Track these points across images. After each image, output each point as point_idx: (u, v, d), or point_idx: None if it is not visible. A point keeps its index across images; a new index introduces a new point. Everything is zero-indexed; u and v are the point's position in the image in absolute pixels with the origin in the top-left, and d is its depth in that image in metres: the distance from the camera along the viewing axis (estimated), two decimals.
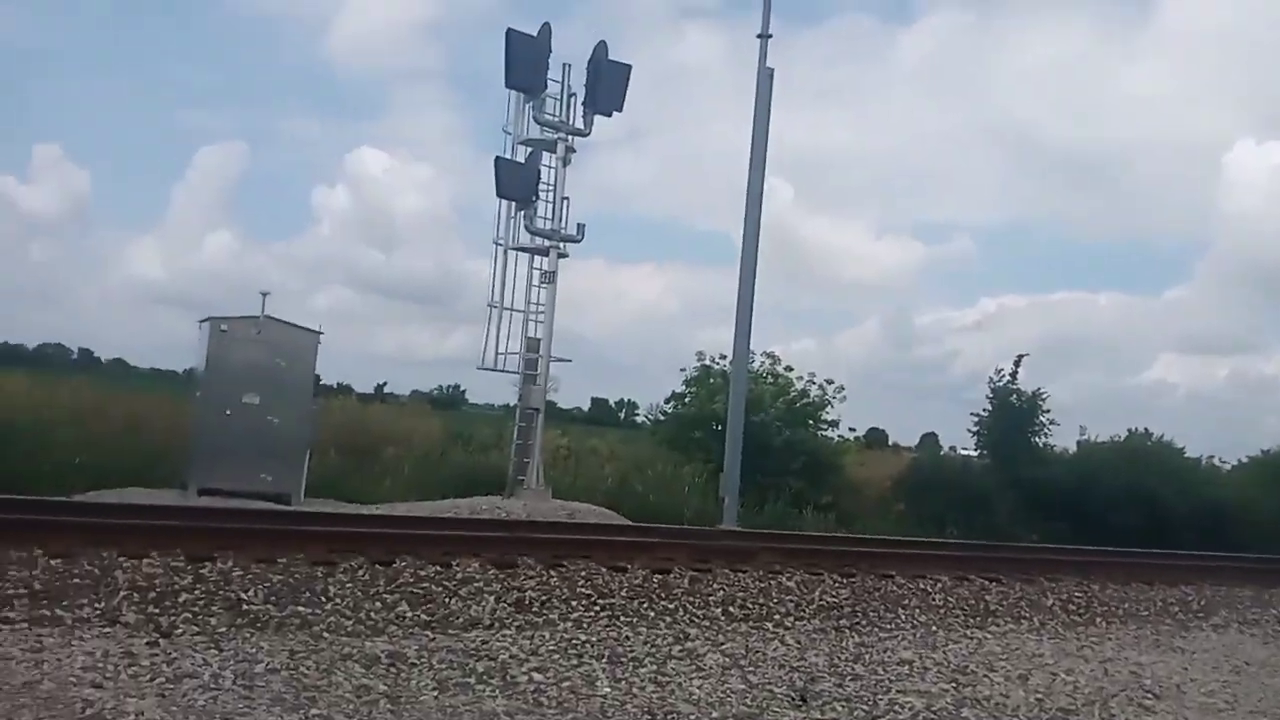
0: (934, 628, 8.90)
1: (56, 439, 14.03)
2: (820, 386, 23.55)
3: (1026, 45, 79.09)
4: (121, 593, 6.65)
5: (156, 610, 6.50)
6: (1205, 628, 10.43)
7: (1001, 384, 24.44)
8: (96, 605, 6.44)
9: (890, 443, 40.07)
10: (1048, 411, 24.07)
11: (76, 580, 6.73)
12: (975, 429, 24.59)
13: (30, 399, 17.54)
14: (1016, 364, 24.57)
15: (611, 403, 60.66)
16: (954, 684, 6.87)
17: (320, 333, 14.13)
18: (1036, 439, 24.12)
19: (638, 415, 42.05)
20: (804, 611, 8.77)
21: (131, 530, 7.86)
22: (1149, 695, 7.12)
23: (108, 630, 6.12)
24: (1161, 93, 77.42)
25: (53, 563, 6.91)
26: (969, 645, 8.29)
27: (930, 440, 37.56)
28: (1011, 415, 24.00)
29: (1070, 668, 7.74)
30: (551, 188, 16.51)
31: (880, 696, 6.34)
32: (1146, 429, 26.04)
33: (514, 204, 16.56)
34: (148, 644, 5.87)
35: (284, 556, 7.73)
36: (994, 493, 22.16)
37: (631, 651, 6.90)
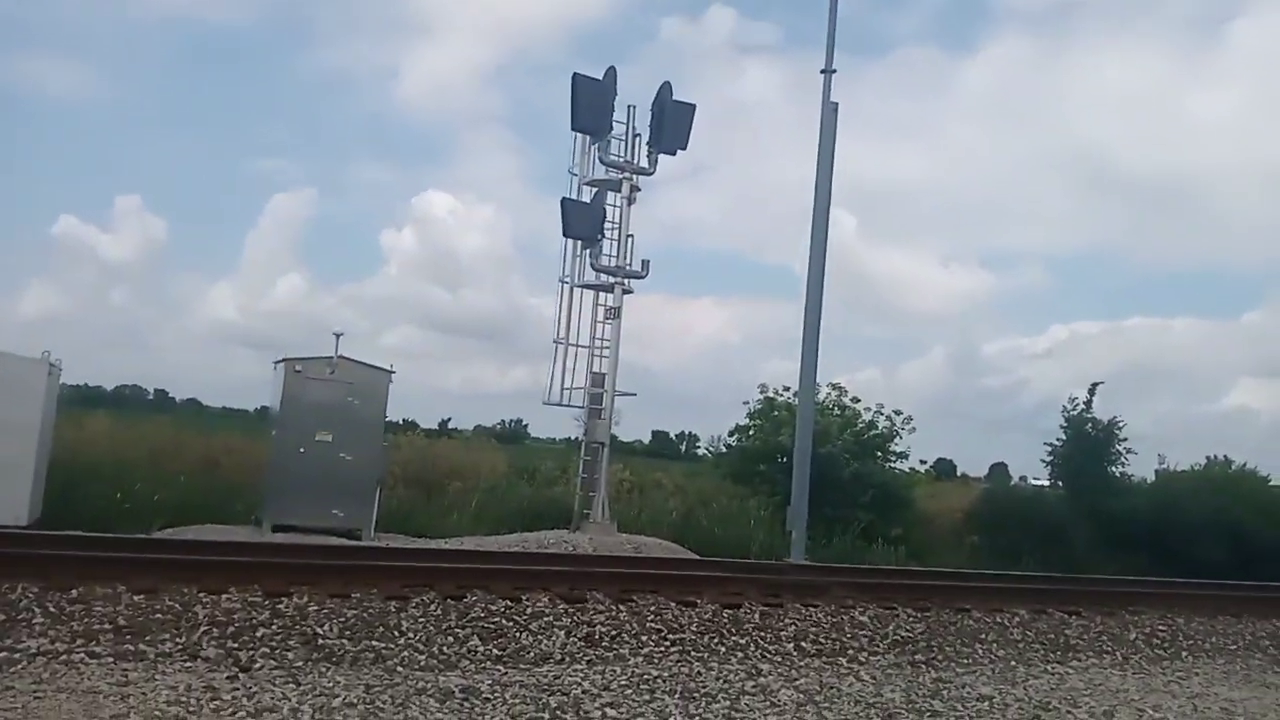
0: (1013, 662, 8.66)
1: (136, 477, 14.43)
2: (889, 418, 23.24)
3: (1095, 72, 78.10)
4: (202, 628, 6.79)
5: (235, 645, 6.62)
6: None
7: (1076, 412, 23.90)
8: (178, 640, 6.58)
9: (959, 473, 39.36)
10: (1124, 440, 23.47)
11: (159, 615, 6.89)
12: (1049, 459, 24.04)
13: (111, 440, 18.13)
14: (1091, 391, 24.03)
15: (672, 435, 60.59)
16: None
17: (392, 371, 14.40)
18: (1113, 468, 23.50)
19: (699, 448, 41.87)
20: (878, 646, 8.61)
21: (210, 566, 8.04)
22: None
23: (189, 665, 6.24)
24: (1235, 116, 75.74)
25: (136, 598, 7.09)
26: (1050, 680, 8.04)
27: (1000, 470, 36.82)
28: (1087, 444, 23.42)
29: (1157, 704, 7.46)
30: (616, 226, 16.67)
31: None
32: (1226, 457, 25.24)
33: (580, 243, 16.74)
34: (228, 678, 5.98)
35: (358, 591, 7.84)
36: (1070, 524, 21.57)
37: (704, 687, 6.83)
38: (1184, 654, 9.81)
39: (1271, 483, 24.87)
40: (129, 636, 6.54)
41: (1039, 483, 26.10)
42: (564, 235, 16.68)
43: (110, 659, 6.20)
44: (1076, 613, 10.38)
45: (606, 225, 16.67)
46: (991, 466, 37.70)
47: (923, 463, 25.02)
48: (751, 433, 23.89)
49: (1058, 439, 23.86)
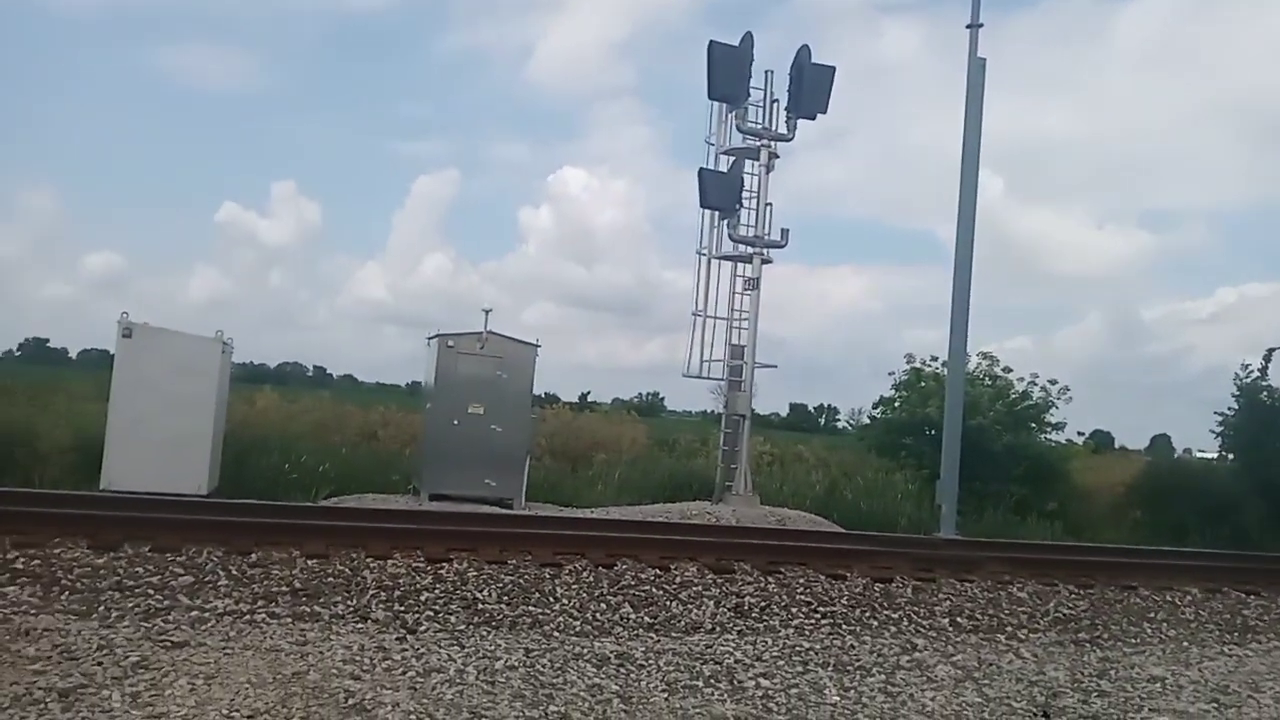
0: (1185, 643, 8.22)
1: (301, 449, 15.25)
2: (1043, 388, 22.30)
3: (1261, 14, 72.22)
4: (370, 591, 7.13)
5: (402, 608, 6.93)
6: None
7: (1249, 380, 22.35)
8: (349, 602, 6.94)
9: (1117, 446, 37.51)
10: None
11: (330, 579, 7.28)
12: (1219, 429, 22.56)
13: (278, 413, 19.25)
14: (1266, 358, 22.36)
15: (811, 408, 59.95)
16: (1215, 704, 6.31)
17: (538, 345, 14.68)
18: None
19: (839, 420, 41.31)
20: (1038, 624, 8.32)
21: (376, 533, 8.42)
22: None
23: (360, 626, 6.57)
24: None
25: (309, 562, 7.52)
26: (1228, 663, 7.59)
27: (1162, 442, 34.95)
28: (1261, 414, 21.87)
29: None
30: (754, 195, 16.48)
31: (1131, 715, 5.91)
32: None
33: (717, 213, 16.64)
34: (397, 639, 6.27)
35: (513, 558, 8.09)
36: (1243, 499, 20.25)
37: (858, 660, 6.75)
38: None
39: None
40: (304, 598, 6.94)
41: (1206, 455, 24.64)
42: (701, 206, 16.60)
43: (289, 619, 6.58)
44: (1255, 592, 9.77)
45: (744, 194, 16.51)
46: (1153, 438, 35.84)
47: (1080, 434, 23.92)
48: (897, 404, 23.38)
49: (1229, 408, 22.36)
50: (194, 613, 6.48)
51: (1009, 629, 8.09)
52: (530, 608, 7.20)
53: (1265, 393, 22.14)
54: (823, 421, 57.18)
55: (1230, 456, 22.72)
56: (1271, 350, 22.58)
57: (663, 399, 50.08)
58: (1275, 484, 20.62)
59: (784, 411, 55.27)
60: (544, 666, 5.91)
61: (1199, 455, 25.55)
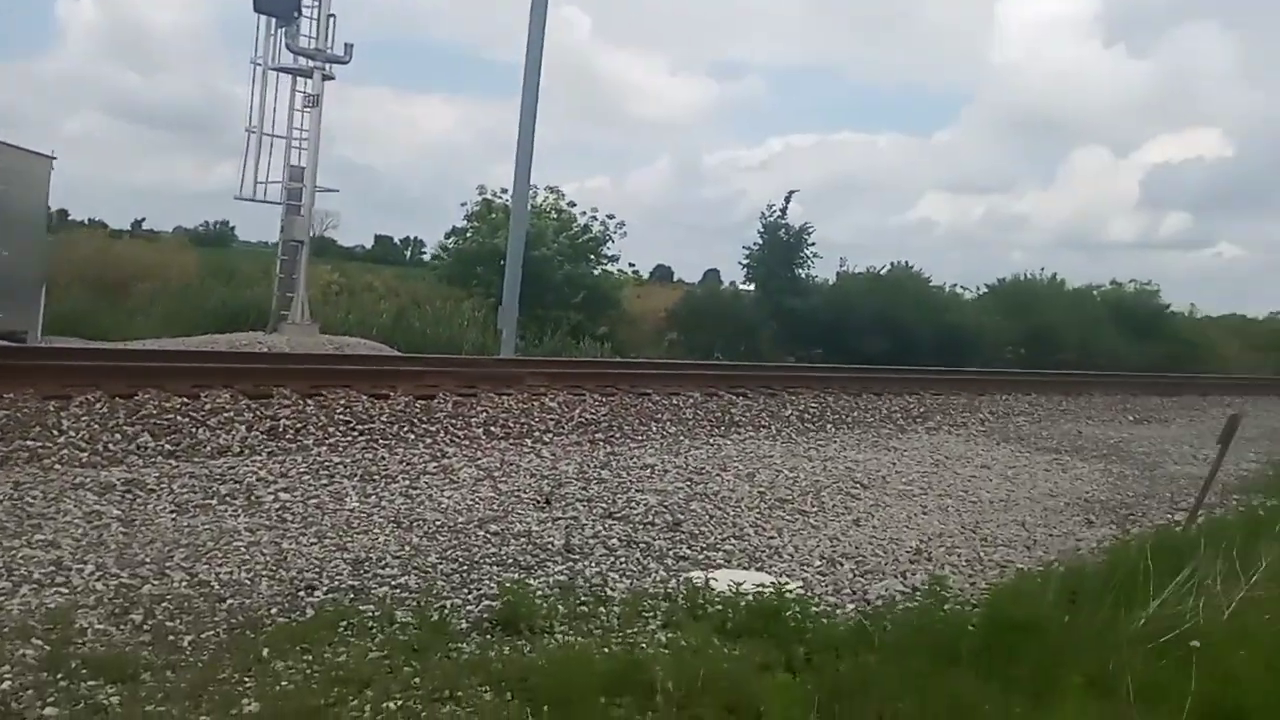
0: (681, 437, 9.59)
1: None
2: (602, 222, 23.90)
3: None
4: None
5: None
6: (920, 431, 11.76)
7: (772, 219, 25.61)
8: None
9: (676, 279, 41.48)
10: (813, 245, 25.51)
11: None
12: (745, 262, 25.79)
13: None
14: (787, 200, 25.74)
15: (397, 240, 58.99)
16: (689, 482, 7.50)
17: (53, 157, 12.86)
18: (800, 271, 25.62)
19: (425, 253, 41.21)
20: (563, 428, 9.22)
21: None
22: (857, 485, 8.06)
23: None
24: None
25: None
26: (709, 451, 9.01)
27: (713, 276, 39.08)
28: (778, 249, 25.29)
29: (795, 466, 8.60)
30: (316, 3, 15.41)
31: (620, 496, 6.85)
32: (907, 262, 28.19)
33: (274, 20, 15.38)
34: None
35: (10, 392, 7.31)
36: (759, 322, 23.54)
37: (386, 470, 7.07)
38: (829, 426, 11.26)
39: (931, 284, 28.18)
40: None
41: (746, 288, 28.08)
42: (255, 10, 15.27)
43: None
44: (743, 394, 11.56)
45: (305, 3, 15.41)
46: (706, 272, 39.96)
47: (631, 265, 26.04)
48: (469, 235, 23.83)
49: (754, 243, 25.59)
50: None
51: (537, 434, 8.90)
52: (28, 442, 6.62)
53: (783, 230, 25.54)
54: (409, 254, 56.57)
55: (753, 286, 26.17)
56: (791, 193, 25.99)
57: (233, 228, 46.52)
58: (785, 309, 24.18)
59: (369, 244, 53.91)
60: (35, 498, 5.53)
61: (742, 288, 28.97)
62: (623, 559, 5.45)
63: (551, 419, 9.40)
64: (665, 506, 6.66)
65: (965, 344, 24.73)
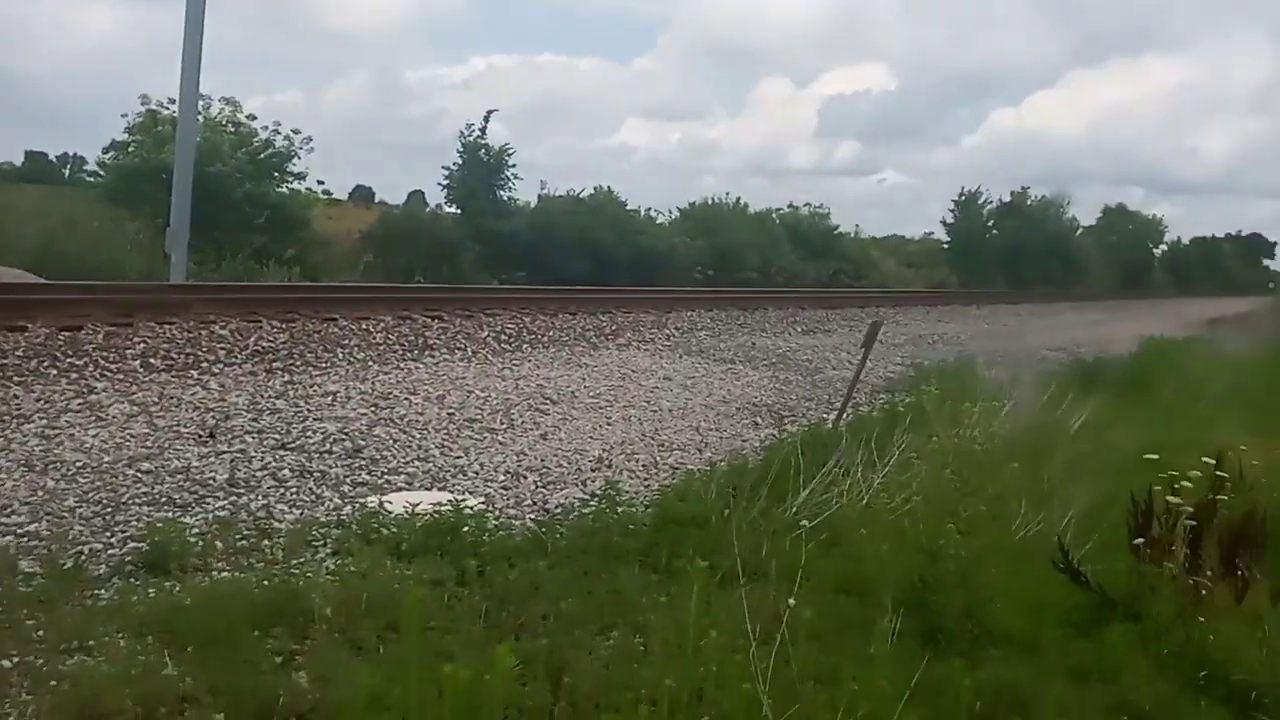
0: (370, 363, 9.27)
1: None
2: (287, 137, 22.31)
3: None
4: None
5: None
6: (611, 347, 12.11)
7: (471, 139, 25.13)
8: None
9: (378, 200, 39.78)
10: (514, 166, 25.37)
11: None
12: (445, 183, 25.23)
13: None
14: (486, 119, 25.33)
15: (53, 156, 52.53)
16: (374, 408, 7.26)
17: None
18: (502, 193, 25.45)
19: (87, 172, 36.86)
20: (235, 358, 8.61)
21: None
22: (546, 401, 8.17)
23: None
24: None
25: None
26: (398, 375, 8.78)
27: (417, 198, 37.90)
28: (479, 170, 24.93)
29: (486, 386, 8.57)
30: None
31: (295, 426, 6.51)
32: (609, 187, 28.72)
33: None
34: None
35: None
36: (461, 244, 23.20)
37: (19, 410, 6.28)
38: (524, 346, 11.32)
39: (629, 208, 28.98)
40: None
41: (451, 210, 27.46)
42: None
43: None
44: (439, 317, 11.35)
45: None
46: (410, 194, 38.67)
47: (320, 183, 24.55)
48: (131, 149, 21.52)
49: (455, 164, 25.06)
50: None
51: (204, 365, 8.24)
52: None
53: (484, 150, 25.18)
54: (69, 172, 50.26)
55: (455, 207, 25.70)
56: (490, 112, 25.64)
57: None
58: (487, 231, 23.97)
59: (19, 160, 47.23)
60: None
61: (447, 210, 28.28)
62: (294, 490, 5.19)
63: (222, 348, 8.75)
64: (345, 434, 6.42)
65: (658, 265, 25.79)
